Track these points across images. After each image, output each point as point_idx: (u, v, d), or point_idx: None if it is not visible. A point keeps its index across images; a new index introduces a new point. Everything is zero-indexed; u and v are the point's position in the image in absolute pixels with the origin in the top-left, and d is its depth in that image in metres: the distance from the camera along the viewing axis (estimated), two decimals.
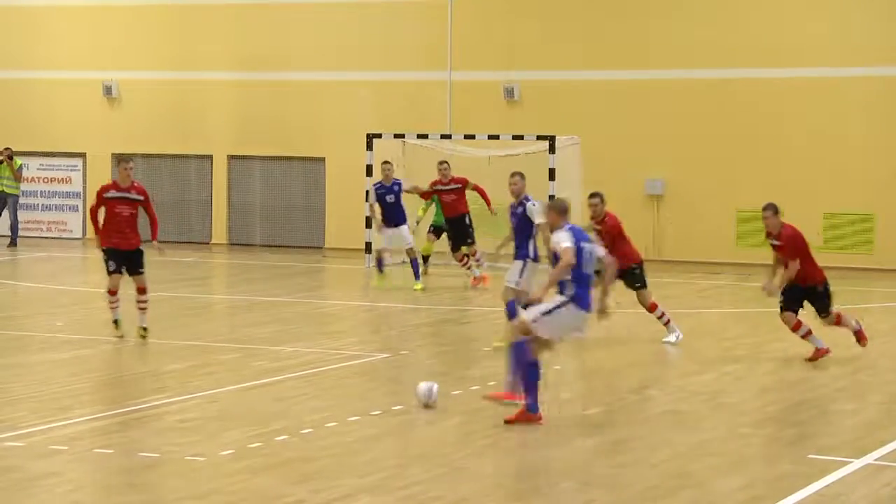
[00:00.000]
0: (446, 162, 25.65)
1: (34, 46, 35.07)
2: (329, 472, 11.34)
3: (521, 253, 17.39)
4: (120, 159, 18.20)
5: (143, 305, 17.79)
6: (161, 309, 21.31)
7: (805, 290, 17.17)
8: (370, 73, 32.54)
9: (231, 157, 33.91)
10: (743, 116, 30.01)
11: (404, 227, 24.83)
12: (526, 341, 13.12)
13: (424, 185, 25.55)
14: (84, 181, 34.56)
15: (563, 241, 13.13)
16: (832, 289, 17.46)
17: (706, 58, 30.27)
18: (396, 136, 29.25)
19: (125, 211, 17.78)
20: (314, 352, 17.56)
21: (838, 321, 17.37)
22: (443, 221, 25.92)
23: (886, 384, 16.04)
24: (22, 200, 33.69)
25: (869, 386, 15.93)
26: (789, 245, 17.10)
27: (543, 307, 13.19)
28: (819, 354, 17.09)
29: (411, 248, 24.93)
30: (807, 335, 17.20)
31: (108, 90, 34.49)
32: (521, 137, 28.57)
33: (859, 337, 17.48)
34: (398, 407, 13.95)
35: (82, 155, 34.88)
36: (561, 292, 13.17)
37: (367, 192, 25.83)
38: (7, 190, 33.01)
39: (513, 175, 17.96)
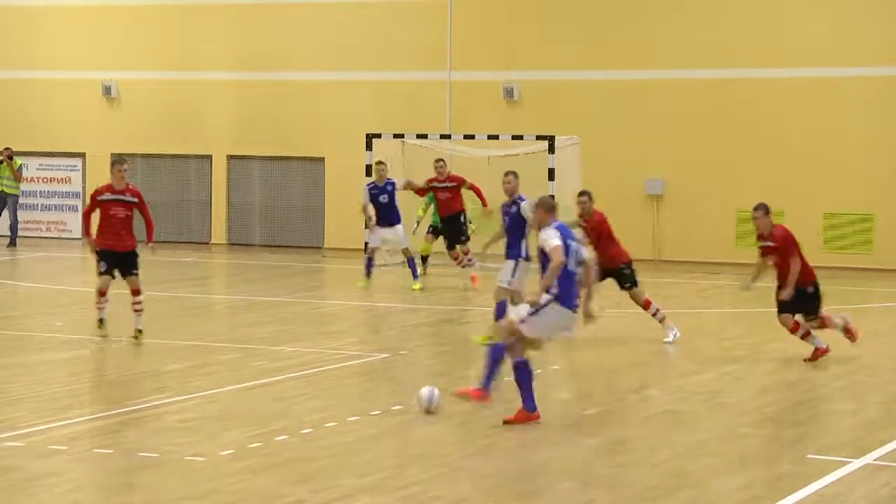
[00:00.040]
0: (443, 160, 25.69)
1: (34, 46, 35.07)
2: (329, 472, 11.34)
3: (512, 252, 17.38)
4: (114, 161, 18.12)
5: (138, 307, 17.73)
6: (161, 309, 21.31)
7: (797, 291, 17.14)
8: (370, 73, 32.53)
9: (230, 157, 33.91)
10: (743, 116, 30.01)
11: (399, 227, 24.84)
12: (506, 345, 13.10)
13: (421, 184, 25.55)
14: (83, 181, 34.54)
15: (551, 238, 13.09)
16: (823, 290, 17.39)
17: (706, 58, 30.27)
18: (396, 136, 29.26)
19: (120, 213, 17.72)
20: (314, 352, 17.56)
21: (823, 324, 17.31)
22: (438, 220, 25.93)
23: (886, 384, 16.03)
24: (21, 200, 33.69)
25: (868, 386, 15.93)
26: (783, 245, 17.09)
27: (530, 308, 13.18)
28: (818, 354, 17.08)
29: (407, 248, 24.95)
30: (806, 336, 17.19)
31: (107, 90, 34.49)
32: (520, 137, 28.58)
33: (848, 333, 17.37)
34: (398, 407, 13.94)
35: (82, 155, 34.88)
36: (547, 291, 13.15)
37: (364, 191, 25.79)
38: (7, 190, 33.00)
39: (507, 174, 18.01)
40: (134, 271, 17.80)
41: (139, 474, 11.29)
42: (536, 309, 13.07)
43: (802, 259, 17.17)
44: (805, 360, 17.05)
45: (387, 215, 24.72)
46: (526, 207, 17.24)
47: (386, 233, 24.81)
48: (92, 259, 18.05)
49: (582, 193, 19.02)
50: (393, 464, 11.69)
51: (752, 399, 15.23)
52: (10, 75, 35.24)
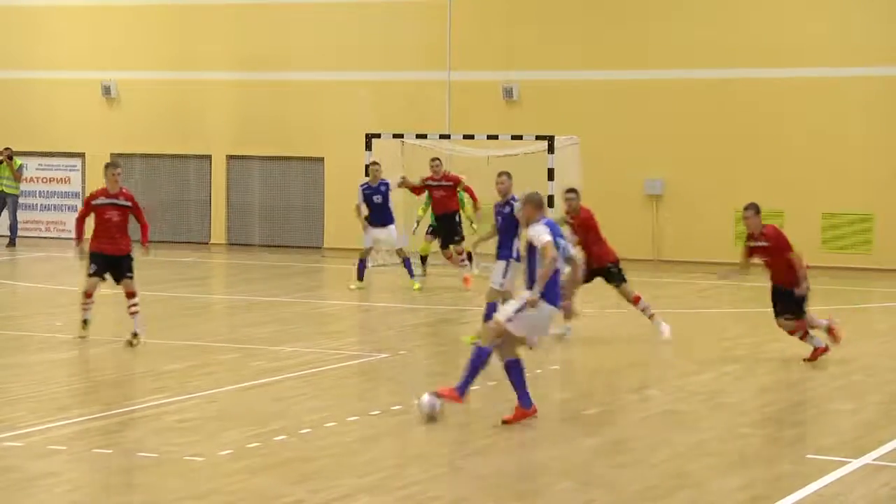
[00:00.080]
0: (438, 159, 25.75)
1: (34, 46, 35.07)
2: (328, 472, 11.34)
3: (504, 253, 17.37)
4: (107, 165, 18.04)
5: (133, 310, 17.63)
6: (160, 309, 21.32)
7: (785, 292, 17.13)
8: (369, 73, 32.54)
9: (230, 157, 33.91)
10: (743, 116, 30.01)
11: (392, 228, 24.84)
12: (492, 349, 13.06)
13: (417, 182, 25.58)
14: (83, 181, 34.54)
15: (541, 234, 13.07)
16: (812, 290, 17.39)
17: (706, 58, 30.27)
18: (395, 136, 29.25)
19: (115, 217, 17.64)
20: (313, 352, 17.55)
21: (799, 327, 17.27)
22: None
23: (885, 384, 16.03)
24: (21, 200, 33.69)
25: (867, 386, 15.92)
26: (776, 244, 17.12)
27: (514, 305, 13.15)
28: (818, 354, 17.07)
29: (401, 249, 24.97)
30: (805, 336, 17.19)
31: (106, 90, 34.49)
32: (520, 137, 28.57)
33: (831, 333, 17.28)
34: (397, 407, 13.94)
35: (81, 155, 34.87)
36: (530, 287, 13.13)
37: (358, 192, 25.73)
38: (7, 190, 33.00)
39: (500, 175, 18.10)
40: (128, 274, 17.68)
41: (138, 474, 11.28)
42: (521, 307, 13.04)
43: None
44: (805, 360, 17.05)
45: (380, 216, 24.72)
46: (519, 208, 17.24)
47: (379, 233, 24.81)
48: (84, 262, 17.95)
49: (570, 190, 19.09)
50: (392, 464, 11.69)
51: (752, 399, 15.23)
52: (9, 75, 35.25)
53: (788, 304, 17.12)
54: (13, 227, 32.95)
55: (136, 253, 17.78)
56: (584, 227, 18.57)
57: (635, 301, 18.80)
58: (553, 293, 13.12)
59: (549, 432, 13.09)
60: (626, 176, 30.42)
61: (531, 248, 13.15)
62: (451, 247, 25.27)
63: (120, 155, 34.38)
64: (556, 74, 31.19)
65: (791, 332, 17.22)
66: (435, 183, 25.32)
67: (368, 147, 28.44)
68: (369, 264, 25.61)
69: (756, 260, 17.34)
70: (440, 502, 10.52)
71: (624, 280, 18.80)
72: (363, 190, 24.90)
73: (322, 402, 14.39)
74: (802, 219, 28.82)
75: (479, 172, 26.71)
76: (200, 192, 34.13)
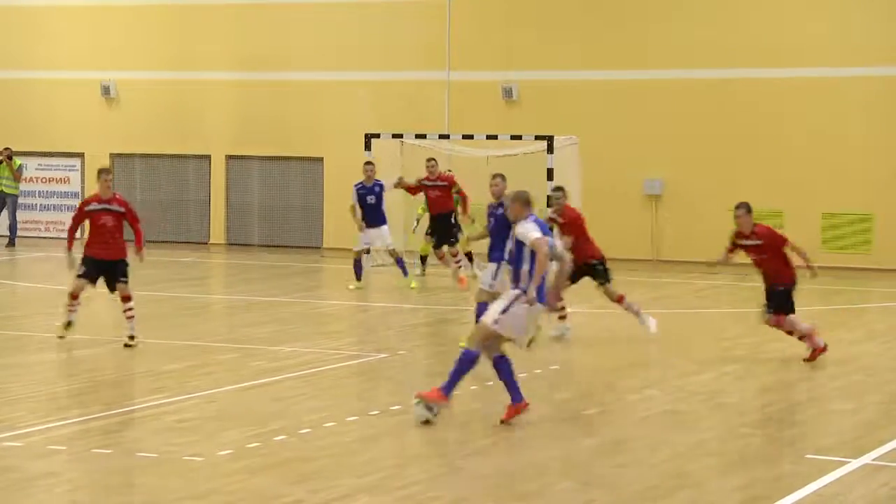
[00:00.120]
0: (434, 159, 25.78)
1: (34, 46, 35.06)
2: (327, 472, 11.33)
3: (495, 255, 17.35)
4: (100, 171, 18.00)
5: (129, 314, 17.56)
6: (159, 309, 21.32)
7: (778, 290, 17.15)
8: (369, 73, 32.53)
9: (229, 157, 33.90)
10: (743, 116, 30.01)
11: (384, 228, 24.85)
12: (479, 352, 13.03)
13: (413, 182, 25.62)
14: (82, 181, 34.53)
15: (531, 231, 13.04)
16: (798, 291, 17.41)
17: (706, 58, 30.26)
18: (395, 136, 29.26)
19: (109, 222, 17.58)
20: (312, 352, 17.55)
21: (779, 323, 17.28)
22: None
23: (885, 384, 16.02)
24: (20, 200, 33.68)
25: (867, 386, 15.92)
26: (769, 242, 17.17)
27: (500, 305, 13.12)
28: (817, 353, 17.06)
29: (393, 249, 24.98)
30: (803, 337, 17.20)
31: (105, 90, 34.48)
32: (519, 137, 28.58)
33: (810, 340, 17.26)
34: (396, 407, 13.93)
35: (80, 155, 34.86)
36: (515, 284, 13.11)
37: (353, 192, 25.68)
38: (6, 190, 33.00)
39: (494, 177, 18.19)
40: (122, 279, 17.59)
41: (138, 474, 11.28)
42: (507, 307, 13.02)
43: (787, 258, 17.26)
44: (804, 360, 17.04)
45: (374, 216, 24.72)
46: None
47: (371, 234, 24.79)
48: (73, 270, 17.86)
49: (556, 189, 19.09)
50: (392, 464, 11.68)
51: (752, 399, 15.23)
52: (9, 75, 35.24)
53: (778, 300, 17.14)
54: (13, 227, 32.94)
55: (132, 259, 17.72)
56: (573, 226, 18.57)
57: (619, 300, 18.78)
58: (539, 291, 13.04)
59: (549, 432, 13.09)
60: (625, 176, 30.42)
61: (518, 245, 13.11)
62: (446, 248, 25.27)
63: (119, 155, 34.43)
64: (555, 74, 31.19)
65: (770, 325, 17.21)
66: (430, 183, 25.37)
67: (368, 147, 28.43)
68: (367, 265, 25.60)
69: (737, 256, 17.41)
70: (440, 502, 10.51)
71: (608, 279, 18.78)
72: (357, 190, 24.89)
73: (321, 402, 14.39)
74: (802, 219, 28.83)
75: (479, 172, 26.71)
76: (200, 192, 34.13)
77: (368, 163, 25.38)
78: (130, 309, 17.51)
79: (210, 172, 34.00)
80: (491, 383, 14.61)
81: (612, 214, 30.16)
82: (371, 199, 24.74)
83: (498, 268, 17.25)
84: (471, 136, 28.84)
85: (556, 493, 10.94)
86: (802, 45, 29.64)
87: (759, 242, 17.16)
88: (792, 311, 17.18)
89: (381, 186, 24.85)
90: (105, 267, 17.60)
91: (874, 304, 24.49)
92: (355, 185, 25.01)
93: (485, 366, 13.34)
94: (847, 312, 23.11)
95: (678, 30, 30.43)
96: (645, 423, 13.69)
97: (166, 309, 21.75)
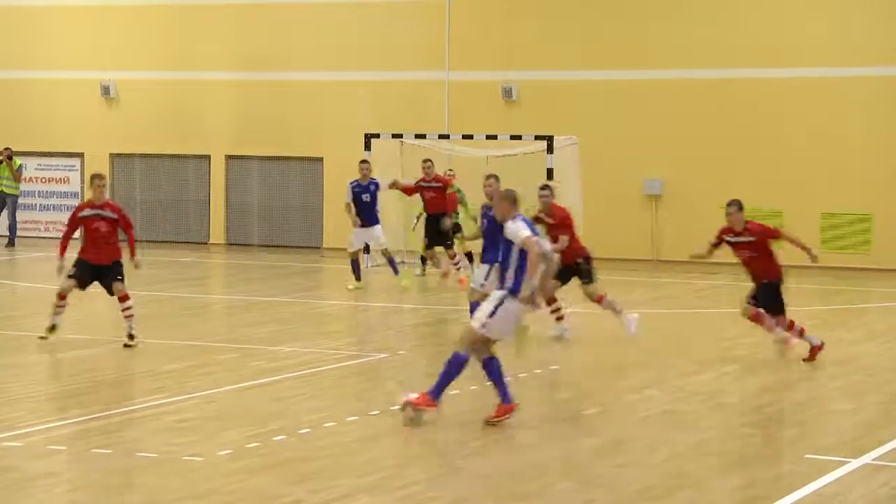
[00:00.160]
0: (430, 160, 25.82)
1: (34, 46, 35.07)
2: (327, 472, 11.33)
3: (489, 256, 17.35)
4: (92, 176, 17.91)
5: (128, 313, 17.54)
6: (159, 309, 21.32)
7: (768, 285, 17.19)
8: (368, 73, 32.54)
9: (229, 157, 33.90)
10: (742, 116, 30.01)
11: (377, 228, 24.84)
12: (468, 356, 13.02)
13: (409, 183, 25.66)
14: (82, 181, 34.50)
15: (521, 230, 13.00)
16: (787, 290, 17.43)
17: (706, 58, 30.27)
18: (394, 136, 29.27)
19: (102, 227, 17.51)
20: (312, 352, 17.55)
21: (758, 318, 17.28)
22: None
23: (884, 384, 16.03)
24: (20, 200, 33.69)
25: (867, 386, 15.92)
26: (763, 236, 17.23)
27: (487, 309, 13.07)
28: (815, 352, 17.05)
29: (386, 249, 24.98)
30: (802, 333, 17.18)
31: (105, 90, 34.48)
32: (519, 137, 28.59)
33: (786, 344, 17.27)
34: (396, 407, 13.91)
35: (80, 155, 34.87)
36: (501, 284, 13.09)
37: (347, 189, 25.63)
38: (6, 190, 33.00)
39: (487, 177, 18.25)
40: (119, 278, 17.57)
41: (138, 474, 11.27)
42: (494, 309, 12.98)
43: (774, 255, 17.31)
44: (804, 360, 17.04)
45: (367, 215, 24.71)
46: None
47: (364, 233, 24.76)
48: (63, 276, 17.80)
49: (543, 187, 19.03)
50: (392, 464, 11.68)
51: (752, 399, 15.23)
52: (9, 75, 35.24)
53: (766, 295, 17.16)
54: (12, 228, 32.95)
55: (127, 265, 17.65)
56: (563, 225, 18.56)
57: (599, 300, 18.74)
58: (518, 283, 12.98)
59: (549, 432, 13.09)
60: (625, 176, 30.42)
61: (507, 245, 13.08)
62: (442, 249, 25.33)
63: (119, 155, 34.44)
64: (555, 74, 31.19)
65: (749, 319, 17.22)
66: (425, 184, 25.43)
67: (368, 147, 28.45)
68: (365, 264, 25.59)
69: (720, 252, 17.45)
70: (440, 502, 10.51)
71: (592, 279, 18.74)
72: (352, 187, 24.89)
73: (321, 402, 14.39)
74: (802, 219, 28.82)
75: (479, 172, 26.67)
76: (199, 192, 34.13)
77: (364, 161, 25.38)
78: (129, 308, 17.49)
79: (210, 172, 34.00)
80: (489, 383, 14.62)
81: (612, 214, 30.18)
82: (366, 198, 24.74)
83: (490, 268, 17.25)
84: (470, 136, 28.85)
85: (556, 493, 10.94)
86: (802, 45, 29.64)
87: (751, 239, 17.21)
88: (782, 309, 17.19)
89: (377, 185, 24.85)
90: (99, 271, 17.56)
91: (874, 304, 24.49)
92: (350, 183, 25.00)
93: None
94: (847, 312, 23.11)
95: (678, 30, 30.44)
96: (645, 423, 13.68)
97: (166, 309, 21.75)
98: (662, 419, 13.84)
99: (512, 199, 13.26)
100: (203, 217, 34.09)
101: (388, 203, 27.78)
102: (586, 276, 18.72)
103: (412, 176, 26.29)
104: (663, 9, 30.71)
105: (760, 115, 29.87)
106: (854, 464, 11.79)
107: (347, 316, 22.43)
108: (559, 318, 18.70)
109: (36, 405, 13.95)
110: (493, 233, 17.40)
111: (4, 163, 32.86)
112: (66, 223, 17.85)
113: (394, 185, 25.33)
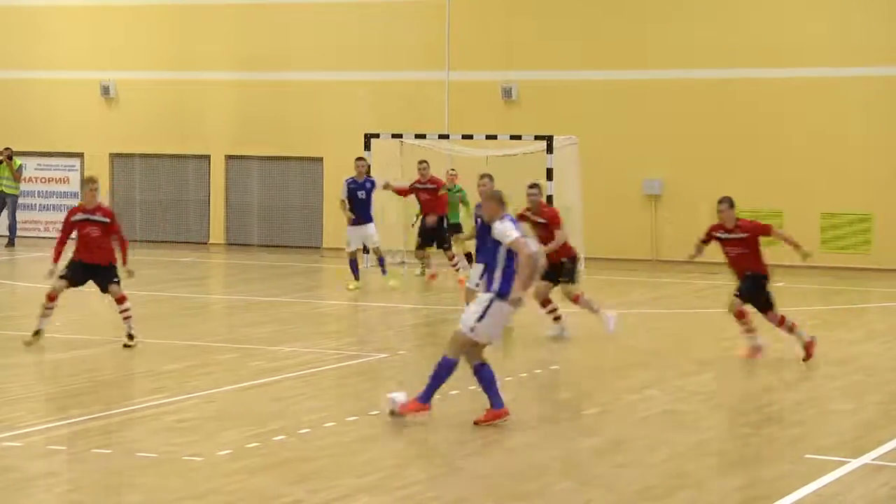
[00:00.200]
0: (426, 161, 25.89)
1: (34, 46, 35.06)
2: (327, 472, 11.33)
3: (482, 256, 17.34)
4: (85, 180, 17.91)
5: (126, 314, 17.51)
6: (159, 309, 21.32)
7: (754, 277, 17.23)
8: (368, 73, 32.53)
9: (229, 157, 33.90)
10: (742, 116, 30.00)
11: (370, 226, 24.81)
12: (458, 360, 13.00)
13: (403, 185, 25.69)
14: (81, 181, 34.49)
15: (509, 231, 12.97)
16: (773, 287, 17.46)
17: (706, 58, 30.26)
18: (394, 136, 29.26)
19: (94, 232, 17.45)
20: (312, 352, 17.55)
21: (742, 315, 17.30)
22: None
23: (884, 384, 16.03)
24: (20, 200, 33.68)
25: (867, 386, 15.92)
26: (754, 232, 17.31)
27: (475, 313, 13.04)
28: (810, 349, 17.00)
29: (377, 248, 24.98)
30: (792, 329, 17.16)
31: (105, 90, 34.47)
32: (518, 137, 28.58)
33: (755, 351, 17.31)
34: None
35: (80, 155, 34.86)
36: (488, 286, 13.06)
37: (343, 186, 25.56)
38: (6, 190, 33.00)
39: (482, 177, 18.27)
40: (115, 279, 17.54)
41: (138, 474, 11.27)
42: (483, 313, 12.96)
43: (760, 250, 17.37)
44: (803, 360, 17.03)
45: (362, 212, 24.69)
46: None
47: (357, 231, 24.74)
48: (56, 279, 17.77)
49: (532, 186, 18.99)
50: (392, 464, 11.68)
51: (752, 399, 15.23)
52: (9, 75, 35.24)
53: (749, 286, 17.17)
54: (12, 228, 32.94)
55: (121, 271, 17.63)
56: (553, 223, 18.56)
57: (575, 299, 18.71)
58: (508, 290, 12.96)
59: (549, 432, 13.09)
60: (624, 176, 30.42)
61: (494, 245, 13.05)
62: (428, 249, 25.41)
63: (119, 155, 34.43)
64: (555, 74, 31.19)
65: (734, 314, 17.23)
66: (421, 186, 25.49)
67: (368, 147, 28.44)
68: (365, 264, 25.58)
69: (732, 252, 17.45)
70: (440, 502, 10.51)
71: (572, 280, 18.72)
72: (348, 184, 24.86)
73: (321, 402, 14.39)
74: (802, 219, 28.82)
75: (478, 172, 26.66)
76: (199, 192, 34.12)
77: (360, 158, 25.37)
78: (126, 310, 17.48)
79: (210, 172, 34.00)
80: (481, 389, 14.63)
81: (612, 214, 30.18)
82: (361, 195, 24.72)
83: (484, 268, 17.24)
84: (470, 136, 28.84)
85: (556, 493, 10.94)
86: (802, 45, 29.64)
87: (743, 236, 17.28)
88: (770, 306, 17.19)
89: (373, 183, 24.84)
90: (92, 270, 17.54)
91: (874, 304, 24.48)
92: (346, 180, 24.98)
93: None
94: (847, 312, 23.11)
95: (678, 30, 30.43)
96: (644, 423, 13.68)
97: (166, 309, 21.75)
98: (662, 419, 13.84)
99: (499, 200, 13.22)
100: (203, 217, 34.09)
101: (388, 203, 27.79)
102: (567, 275, 18.71)
103: (412, 176, 26.28)
104: (663, 9, 30.70)
105: (760, 115, 29.86)
106: (854, 464, 11.79)
107: (347, 316, 22.43)
108: (556, 319, 18.71)
109: (36, 405, 13.95)
110: (484, 233, 17.40)
111: (4, 163, 32.85)
112: (61, 227, 17.79)
113: (387, 187, 25.34)
